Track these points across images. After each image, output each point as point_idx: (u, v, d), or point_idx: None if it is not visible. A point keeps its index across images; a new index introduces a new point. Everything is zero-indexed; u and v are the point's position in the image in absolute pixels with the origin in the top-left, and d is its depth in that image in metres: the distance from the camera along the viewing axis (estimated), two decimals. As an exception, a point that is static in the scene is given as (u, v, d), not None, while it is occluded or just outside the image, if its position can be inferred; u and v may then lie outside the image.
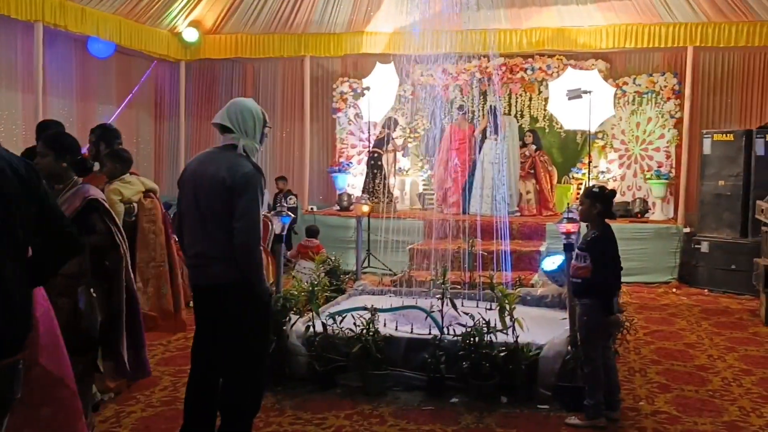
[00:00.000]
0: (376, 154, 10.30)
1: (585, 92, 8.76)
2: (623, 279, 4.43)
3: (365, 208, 7.60)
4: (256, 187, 3.31)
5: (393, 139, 10.62)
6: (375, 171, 10.23)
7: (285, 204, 5.74)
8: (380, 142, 10.35)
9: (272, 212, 7.53)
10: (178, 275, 5.30)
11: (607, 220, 4.34)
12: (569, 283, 4.47)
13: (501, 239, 7.30)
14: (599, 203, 4.29)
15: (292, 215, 5.53)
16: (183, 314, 5.33)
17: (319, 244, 8.43)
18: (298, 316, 5.10)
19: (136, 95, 11.43)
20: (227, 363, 3.44)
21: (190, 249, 3.46)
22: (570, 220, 4.71)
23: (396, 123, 10.81)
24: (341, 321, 4.97)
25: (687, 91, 9.59)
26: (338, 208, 10.61)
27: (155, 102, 12.20)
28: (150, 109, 12.11)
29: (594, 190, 4.39)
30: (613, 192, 4.43)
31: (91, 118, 9.94)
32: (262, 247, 8.05)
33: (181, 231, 3.54)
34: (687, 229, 9.32)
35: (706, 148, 8.93)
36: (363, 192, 10.21)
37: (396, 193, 10.95)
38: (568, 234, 4.68)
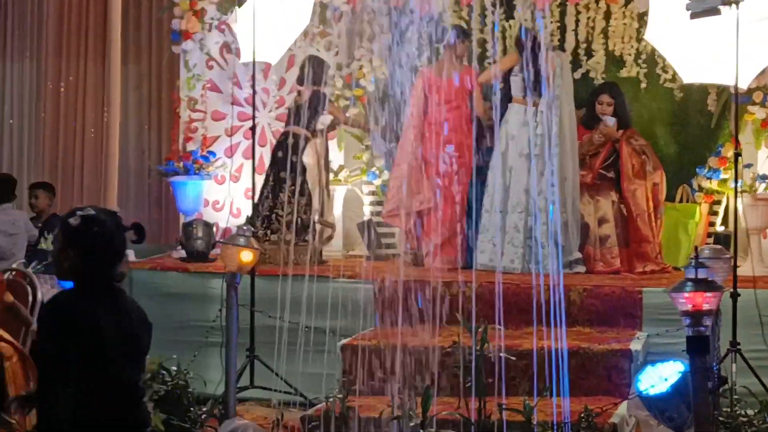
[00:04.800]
0: (292, 140, 10.34)
1: (728, 3, 8.97)
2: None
3: (246, 255, 7.68)
4: None
5: (325, 109, 10.64)
6: (282, 177, 10.39)
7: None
8: (297, 113, 10.48)
9: (37, 265, 7.51)
10: None
11: None
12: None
13: (547, 325, 7.40)
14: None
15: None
16: None
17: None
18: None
19: None
20: None
21: None
22: (699, 283, 4.87)
23: (322, 68, 10.90)
24: None
25: None
26: (184, 254, 10.70)
27: None
28: None
29: None
30: None
31: None
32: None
33: None
34: None
35: None
36: (250, 218, 10.22)
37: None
38: (696, 313, 4.85)
